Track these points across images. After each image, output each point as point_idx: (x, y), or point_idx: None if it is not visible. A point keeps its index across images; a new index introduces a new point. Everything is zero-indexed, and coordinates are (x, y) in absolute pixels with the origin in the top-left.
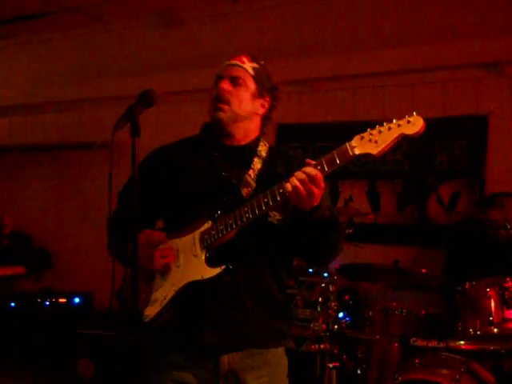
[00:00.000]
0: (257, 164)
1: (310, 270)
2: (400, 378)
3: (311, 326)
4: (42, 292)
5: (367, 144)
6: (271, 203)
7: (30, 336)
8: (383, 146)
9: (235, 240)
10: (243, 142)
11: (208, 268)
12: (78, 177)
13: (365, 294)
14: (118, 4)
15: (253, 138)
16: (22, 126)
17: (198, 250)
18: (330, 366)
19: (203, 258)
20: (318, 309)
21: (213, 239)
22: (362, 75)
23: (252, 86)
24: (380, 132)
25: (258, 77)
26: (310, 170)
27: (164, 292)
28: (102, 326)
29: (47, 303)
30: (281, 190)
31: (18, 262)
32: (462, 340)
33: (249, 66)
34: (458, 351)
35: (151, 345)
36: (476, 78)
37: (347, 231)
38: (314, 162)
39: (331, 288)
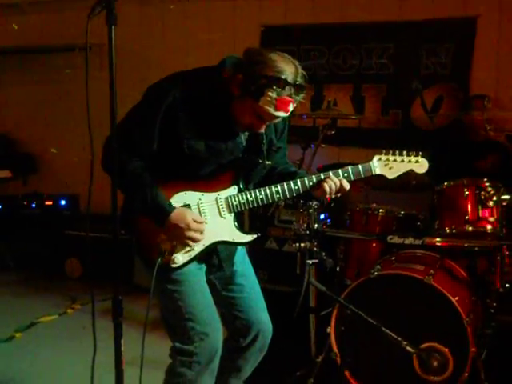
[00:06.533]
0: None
1: None
2: (376, 273)
3: (292, 226)
4: (28, 195)
5: (384, 168)
6: (301, 191)
7: (17, 238)
8: (396, 174)
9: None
10: None
11: (239, 233)
12: (62, 80)
13: (345, 195)
14: None
15: None
16: (1, 28)
17: (226, 213)
18: (310, 262)
19: (232, 221)
20: (300, 210)
21: (241, 207)
22: None
23: None
24: (395, 161)
25: None
26: (346, 184)
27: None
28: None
29: (34, 205)
30: (310, 183)
31: (4, 166)
32: (438, 237)
33: None
34: (434, 248)
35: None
36: None
37: (329, 133)
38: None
39: None
